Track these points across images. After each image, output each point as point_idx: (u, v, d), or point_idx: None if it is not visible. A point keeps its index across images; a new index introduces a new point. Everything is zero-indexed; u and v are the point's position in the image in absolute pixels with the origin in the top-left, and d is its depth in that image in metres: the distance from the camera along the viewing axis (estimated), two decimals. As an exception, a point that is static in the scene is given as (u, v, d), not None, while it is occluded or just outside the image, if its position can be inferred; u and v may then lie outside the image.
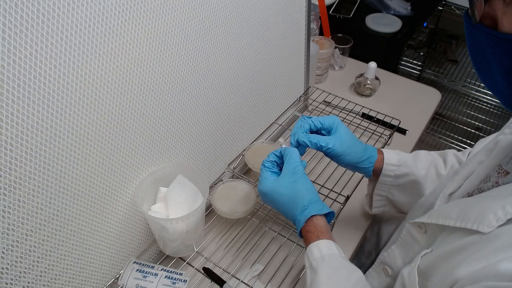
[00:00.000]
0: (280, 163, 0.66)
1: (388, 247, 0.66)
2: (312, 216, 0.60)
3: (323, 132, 0.70)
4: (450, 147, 1.85)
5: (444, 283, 0.44)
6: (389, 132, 1.01)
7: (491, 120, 1.89)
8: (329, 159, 0.93)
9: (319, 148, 0.67)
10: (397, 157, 0.71)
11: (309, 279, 0.56)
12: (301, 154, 0.67)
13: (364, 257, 0.89)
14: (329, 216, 0.62)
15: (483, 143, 0.69)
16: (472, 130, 1.92)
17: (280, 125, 1.01)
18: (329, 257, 0.56)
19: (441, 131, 1.99)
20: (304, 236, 0.60)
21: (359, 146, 0.69)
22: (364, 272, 0.72)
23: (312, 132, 0.70)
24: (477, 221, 0.44)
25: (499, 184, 0.50)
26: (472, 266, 0.41)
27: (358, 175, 0.90)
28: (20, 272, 0.51)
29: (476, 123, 1.92)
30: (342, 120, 0.99)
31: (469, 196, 0.54)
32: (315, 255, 0.56)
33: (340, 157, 0.68)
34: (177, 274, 0.66)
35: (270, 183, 0.62)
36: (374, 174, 0.72)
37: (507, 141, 0.52)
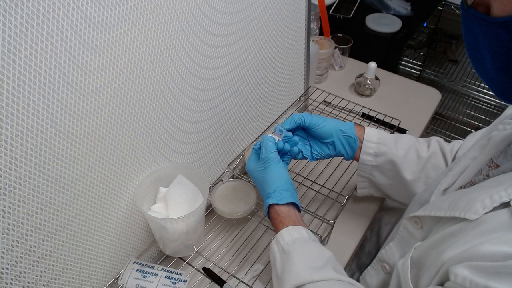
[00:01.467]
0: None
1: (386, 245, 0.66)
2: (272, 204, 0.62)
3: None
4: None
5: (433, 268, 0.46)
6: (389, 132, 1.01)
7: (491, 120, 1.89)
8: (329, 159, 0.94)
9: (301, 124, 0.71)
10: (377, 135, 0.72)
11: (280, 262, 0.58)
12: (292, 156, 0.71)
13: (364, 257, 0.89)
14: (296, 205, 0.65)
15: (474, 137, 0.70)
16: (472, 130, 1.91)
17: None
18: (299, 240, 0.58)
19: (441, 131, 1.99)
20: (271, 223, 0.64)
21: (332, 121, 0.72)
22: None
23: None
24: (465, 209, 0.45)
25: (490, 176, 0.51)
26: (457, 249, 0.43)
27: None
28: (20, 272, 0.51)
29: (476, 123, 1.92)
30: (343, 120, 0.99)
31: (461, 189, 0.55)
32: (286, 239, 0.59)
33: (320, 125, 0.71)
34: (177, 274, 0.66)
35: (251, 164, 0.68)
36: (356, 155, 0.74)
37: (499, 137, 0.53)
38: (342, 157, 0.74)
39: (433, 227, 0.53)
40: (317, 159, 0.73)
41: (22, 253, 0.51)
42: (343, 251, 0.79)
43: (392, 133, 1.00)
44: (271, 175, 0.64)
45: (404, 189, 0.74)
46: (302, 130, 0.74)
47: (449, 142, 0.75)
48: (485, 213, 0.43)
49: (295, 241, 0.58)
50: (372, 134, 0.72)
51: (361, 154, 0.72)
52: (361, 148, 0.72)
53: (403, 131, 1.05)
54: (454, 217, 0.47)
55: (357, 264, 0.89)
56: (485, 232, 0.41)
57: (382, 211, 0.95)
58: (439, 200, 0.55)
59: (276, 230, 0.61)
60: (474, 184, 0.53)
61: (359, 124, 0.74)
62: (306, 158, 0.73)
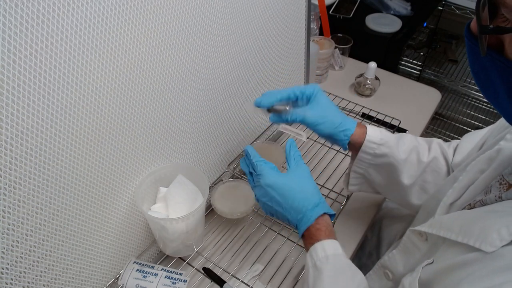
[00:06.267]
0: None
1: (389, 252, 0.65)
2: (324, 214, 0.59)
3: (303, 100, 0.70)
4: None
5: None
6: (389, 132, 1.01)
7: (491, 120, 1.89)
8: (329, 159, 0.94)
9: (294, 121, 0.68)
10: (380, 135, 0.69)
11: (311, 278, 0.56)
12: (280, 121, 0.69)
13: (365, 258, 0.89)
14: (331, 218, 0.62)
15: (472, 138, 0.68)
16: (472, 130, 1.92)
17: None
18: (333, 257, 0.56)
19: (441, 131, 1.99)
20: (311, 234, 0.58)
21: (336, 117, 0.68)
22: (365, 273, 0.72)
23: (293, 101, 0.70)
24: (480, 238, 0.43)
25: (503, 198, 0.48)
26: (475, 285, 0.40)
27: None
28: (20, 272, 0.51)
29: (476, 123, 1.92)
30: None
31: (470, 208, 0.53)
32: (319, 254, 0.56)
33: (314, 127, 0.68)
34: (177, 274, 0.66)
35: (277, 176, 0.61)
36: (354, 149, 0.70)
37: (510, 150, 0.50)
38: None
39: (440, 244, 0.52)
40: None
41: (22, 253, 0.51)
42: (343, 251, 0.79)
43: (393, 133, 1.00)
44: (313, 184, 0.61)
45: (398, 192, 0.72)
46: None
47: (448, 141, 0.74)
48: (503, 246, 0.41)
49: (328, 258, 0.56)
50: (375, 135, 0.69)
51: (360, 153, 0.70)
52: (360, 145, 0.69)
53: (403, 131, 1.05)
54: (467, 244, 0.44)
55: (358, 265, 0.88)
56: (505, 269, 0.39)
57: (383, 212, 0.95)
58: (448, 218, 0.52)
59: (317, 240, 0.58)
60: (485, 205, 0.50)
61: (360, 123, 0.71)
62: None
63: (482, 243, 0.42)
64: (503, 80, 0.39)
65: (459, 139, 0.74)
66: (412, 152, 0.70)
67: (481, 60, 0.41)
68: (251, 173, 0.66)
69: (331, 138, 0.69)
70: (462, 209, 0.54)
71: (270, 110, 0.69)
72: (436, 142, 0.72)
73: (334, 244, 0.57)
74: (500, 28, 0.37)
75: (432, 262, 0.50)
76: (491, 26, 0.37)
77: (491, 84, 0.41)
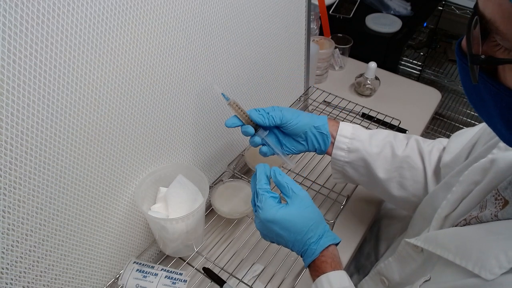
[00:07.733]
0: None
1: (385, 259, 0.65)
2: (329, 245, 0.57)
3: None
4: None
5: None
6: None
7: (491, 120, 1.89)
8: (329, 159, 0.93)
9: (273, 123, 0.65)
10: (351, 130, 0.69)
11: None
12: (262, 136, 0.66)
13: (363, 259, 0.89)
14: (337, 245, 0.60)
15: (460, 139, 0.66)
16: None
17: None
18: None
19: (441, 131, 1.99)
20: (316, 267, 0.56)
21: (308, 116, 0.68)
22: (364, 275, 0.72)
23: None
24: (478, 263, 0.43)
25: (499, 217, 0.47)
26: None
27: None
28: (20, 272, 0.51)
29: (476, 123, 1.92)
30: (342, 120, 0.98)
31: (466, 224, 0.52)
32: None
33: (292, 122, 0.65)
34: (177, 274, 0.66)
35: (277, 210, 0.56)
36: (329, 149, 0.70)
37: (505, 163, 0.49)
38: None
39: (436, 259, 0.51)
40: (288, 154, 0.70)
41: (22, 253, 0.51)
42: (343, 252, 0.79)
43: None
44: (316, 214, 0.58)
45: (377, 185, 0.72)
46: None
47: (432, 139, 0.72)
48: (502, 274, 0.40)
49: None
50: (346, 129, 0.69)
51: (334, 149, 0.70)
52: (333, 143, 0.69)
53: (403, 131, 1.05)
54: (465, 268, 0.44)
55: (356, 266, 0.89)
56: None
57: (382, 212, 0.95)
58: (443, 234, 0.52)
59: (322, 272, 0.55)
60: (481, 222, 0.49)
61: (333, 119, 0.71)
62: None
63: (481, 269, 0.42)
64: (496, 104, 0.37)
65: (447, 138, 0.72)
66: (386, 147, 0.69)
67: (475, 85, 0.38)
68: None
69: (311, 128, 0.68)
70: (457, 224, 0.54)
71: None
72: (413, 138, 0.71)
73: (340, 276, 0.55)
74: (492, 59, 0.35)
75: (430, 279, 0.50)
76: (482, 56, 0.35)
77: (484, 105, 0.39)
